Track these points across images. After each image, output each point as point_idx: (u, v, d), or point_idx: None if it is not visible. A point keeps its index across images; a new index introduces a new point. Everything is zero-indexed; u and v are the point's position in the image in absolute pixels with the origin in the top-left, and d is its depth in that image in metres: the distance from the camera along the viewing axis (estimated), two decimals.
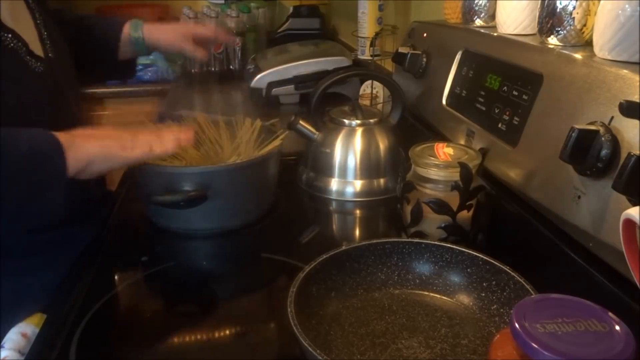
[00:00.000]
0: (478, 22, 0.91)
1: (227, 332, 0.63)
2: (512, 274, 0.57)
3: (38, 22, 0.80)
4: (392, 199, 0.84)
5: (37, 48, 0.77)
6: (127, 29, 1.01)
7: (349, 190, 0.92)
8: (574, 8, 0.66)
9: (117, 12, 2.05)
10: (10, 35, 0.71)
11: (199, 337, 0.62)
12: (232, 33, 1.35)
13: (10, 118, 0.69)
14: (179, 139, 0.74)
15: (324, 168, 0.94)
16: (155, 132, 0.74)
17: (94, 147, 0.68)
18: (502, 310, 0.57)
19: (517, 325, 0.38)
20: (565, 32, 0.67)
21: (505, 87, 0.76)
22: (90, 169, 0.68)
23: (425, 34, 1.08)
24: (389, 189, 0.92)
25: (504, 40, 0.80)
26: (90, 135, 0.70)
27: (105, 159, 0.69)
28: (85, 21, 1.01)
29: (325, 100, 0.94)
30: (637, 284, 0.44)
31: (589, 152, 0.54)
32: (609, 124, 0.54)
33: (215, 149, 0.92)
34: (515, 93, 0.73)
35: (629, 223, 0.43)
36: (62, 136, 0.66)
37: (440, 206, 0.70)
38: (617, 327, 0.38)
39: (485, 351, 0.51)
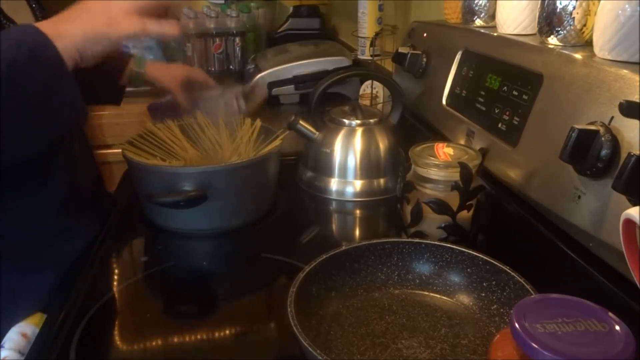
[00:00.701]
0: (478, 22, 0.91)
1: (227, 332, 0.63)
2: (512, 274, 0.57)
3: (39, 19, 0.80)
4: (392, 199, 0.84)
5: None
6: (131, 64, 1.05)
7: (349, 190, 0.92)
8: (574, 8, 0.66)
9: None
10: (11, 25, 0.72)
11: (199, 337, 0.62)
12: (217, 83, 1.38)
13: None
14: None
15: (324, 168, 0.94)
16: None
17: (77, 31, 0.63)
18: (502, 310, 0.57)
19: (517, 325, 0.38)
20: (565, 32, 0.67)
21: (505, 87, 0.76)
22: (85, 55, 0.64)
23: (425, 34, 1.08)
24: (389, 189, 0.92)
25: (504, 40, 0.80)
26: (75, 14, 0.65)
27: (94, 40, 0.64)
28: None
29: (325, 100, 0.94)
30: (637, 284, 0.44)
31: (589, 152, 0.54)
32: (609, 124, 0.54)
33: (215, 149, 0.93)
34: (515, 93, 0.73)
35: (629, 223, 0.43)
36: (44, 27, 0.62)
37: (440, 206, 0.70)
38: (617, 327, 0.38)
39: (485, 351, 0.51)
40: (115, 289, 0.70)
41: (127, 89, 1.07)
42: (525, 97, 0.70)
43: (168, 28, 0.70)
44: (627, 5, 0.56)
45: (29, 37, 0.61)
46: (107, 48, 0.66)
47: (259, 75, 1.43)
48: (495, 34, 0.83)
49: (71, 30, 0.63)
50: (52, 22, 0.63)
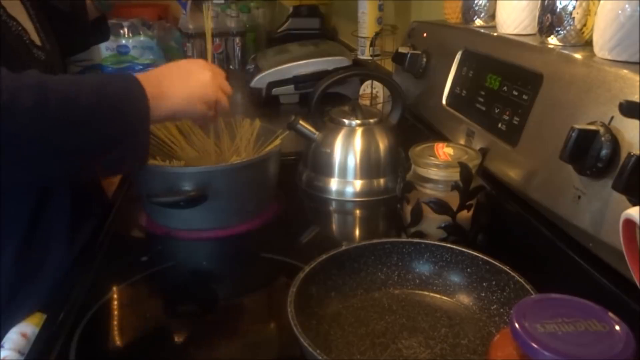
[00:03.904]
0: (478, 22, 0.91)
1: (227, 332, 0.63)
2: (512, 274, 0.57)
3: (32, 16, 0.81)
4: (392, 199, 0.84)
5: (35, 39, 0.77)
6: None
7: (349, 190, 0.92)
8: (574, 8, 0.66)
9: (117, 12, 2.05)
10: (15, 23, 0.72)
11: (199, 337, 0.62)
12: None
13: None
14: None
15: (324, 168, 0.94)
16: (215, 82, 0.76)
17: (181, 99, 0.70)
18: (502, 310, 0.57)
19: (517, 325, 0.38)
20: (565, 32, 0.67)
21: (505, 87, 0.76)
22: (177, 117, 0.74)
23: (425, 34, 1.08)
24: (389, 189, 0.92)
25: (504, 40, 0.80)
26: (172, 79, 0.71)
27: (186, 114, 0.73)
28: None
29: (325, 100, 0.94)
30: (637, 284, 0.44)
31: (589, 152, 0.54)
32: (609, 124, 0.54)
33: (215, 149, 0.93)
34: (515, 93, 0.73)
35: (629, 223, 0.43)
36: (148, 85, 0.66)
37: (440, 206, 0.70)
38: (617, 327, 0.38)
39: (485, 351, 0.51)
40: (115, 289, 0.70)
41: None
42: (525, 97, 0.70)
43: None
44: (627, 5, 0.56)
45: (132, 90, 0.65)
46: (197, 113, 0.74)
47: (259, 75, 1.43)
48: (495, 34, 0.83)
49: (172, 95, 0.70)
50: (156, 81, 0.68)
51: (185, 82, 0.72)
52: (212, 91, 0.74)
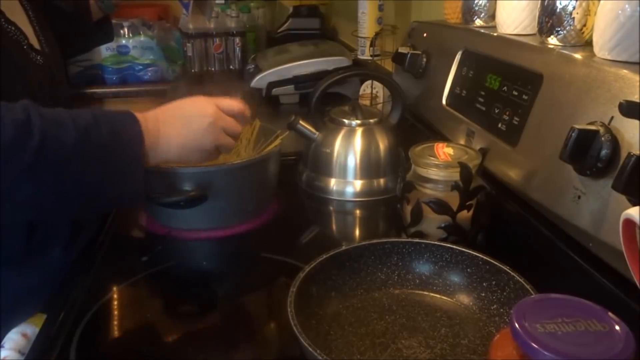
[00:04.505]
0: (478, 22, 0.91)
1: (227, 332, 0.63)
2: (512, 274, 0.57)
3: (32, 19, 0.81)
4: (392, 199, 0.84)
5: (35, 43, 0.77)
6: None
7: (349, 190, 0.92)
8: (574, 8, 0.66)
9: (117, 12, 2.04)
10: (13, 28, 0.72)
11: (199, 337, 0.62)
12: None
13: None
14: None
15: (324, 168, 0.94)
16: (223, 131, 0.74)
17: (175, 149, 0.69)
18: (502, 310, 0.57)
19: (517, 325, 0.38)
20: (565, 32, 0.67)
21: (505, 87, 0.76)
22: (164, 161, 0.70)
23: (425, 34, 1.08)
24: (389, 189, 0.92)
25: (504, 40, 0.80)
26: (172, 133, 0.69)
27: (181, 159, 0.71)
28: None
29: (325, 100, 0.94)
30: (637, 284, 0.44)
31: (588, 152, 0.54)
32: (609, 124, 0.54)
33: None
34: (515, 93, 0.73)
35: (629, 223, 0.43)
36: (145, 128, 0.65)
37: (440, 206, 0.70)
38: (617, 327, 0.38)
39: (485, 351, 0.51)
40: (115, 289, 0.70)
41: (129, 89, 1.07)
42: (525, 97, 0.70)
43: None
44: (627, 5, 0.56)
45: (126, 132, 0.64)
46: (192, 159, 0.73)
47: (259, 75, 1.43)
48: (495, 34, 0.83)
49: (167, 148, 0.68)
50: (152, 131, 0.66)
51: (183, 131, 0.70)
52: (210, 140, 0.71)
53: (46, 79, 0.77)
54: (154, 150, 0.66)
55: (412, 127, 1.07)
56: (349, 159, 0.92)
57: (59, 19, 0.92)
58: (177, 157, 0.70)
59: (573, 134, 0.53)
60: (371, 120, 0.94)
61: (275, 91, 1.43)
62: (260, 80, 1.43)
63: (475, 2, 0.89)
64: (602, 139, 0.53)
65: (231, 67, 1.94)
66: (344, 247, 0.63)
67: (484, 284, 0.60)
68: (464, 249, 0.62)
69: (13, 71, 0.69)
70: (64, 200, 0.61)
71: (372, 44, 1.35)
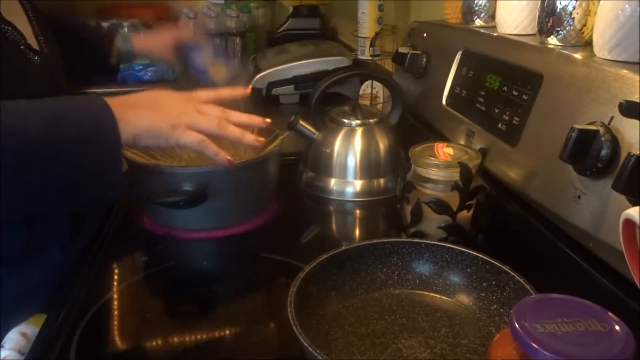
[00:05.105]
0: (478, 22, 0.91)
1: (227, 332, 0.63)
2: (512, 274, 0.57)
3: (31, 19, 0.81)
4: (392, 199, 0.84)
5: (33, 43, 0.77)
6: (117, 42, 1.06)
7: (349, 190, 0.92)
8: (574, 8, 0.66)
9: (117, 12, 2.05)
10: (9, 28, 0.72)
11: (199, 337, 0.62)
12: (211, 34, 1.44)
13: None
14: (242, 138, 0.70)
15: (324, 168, 0.94)
16: (221, 117, 0.69)
17: (143, 121, 0.64)
18: (502, 310, 0.57)
19: (517, 325, 0.38)
20: (565, 32, 0.67)
21: (505, 87, 0.76)
22: (139, 142, 0.65)
23: (425, 34, 1.08)
24: (389, 189, 0.92)
25: (504, 40, 0.80)
26: (146, 103, 0.67)
27: (152, 135, 0.65)
28: (74, 24, 1.03)
29: (325, 100, 0.94)
30: (637, 284, 0.44)
31: (588, 152, 0.54)
32: (609, 124, 0.54)
33: None
34: (515, 93, 0.73)
35: (629, 223, 0.43)
36: (113, 105, 0.62)
37: (440, 206, 0.70)
38: (617, 327, 0.38)
39: (485, 351, 0.51)
40: (115, 289, 0.70)
41: (128, 89, 1.07)
42: (525, 97, 0.70)
43: (222, 156, 0.70)
44: (627, 5, 0.56)
45: (97, 115, 0.62)
46: (160, 145, 0.67)
47: (259, 75, 1.43)
48: (495, 34, 0.83)
49: (136, 120, 0.64)
50: (121, 104, 0.64)
51: (152, 110, 0.66)
52: (182, 119, 0.66)
53: (44, 80, 0.77)
54: (122, 124, 0.63)
55: (412, 127, 1.07)
56: (349, 159, 0.92)
57: (77, 48, 0.92)
58: (145, 131, 0.65)
59: (573, 134, 0.53)
60: (371, 120, 0.94)
61: (275, 91, 1.43)
62: (260, 80, 1.43)
63: (475, 2, 0.89)
64: (602, 139, 0.53)
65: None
66: (344, 247, 0.63)
67: (484, 284, 0.60)
68: (464, 249, 0.62)
69: (8, 71, 0.69)
70: (44, 193, 0.60)
71: (372, 44, 1.35)
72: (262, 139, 0.74)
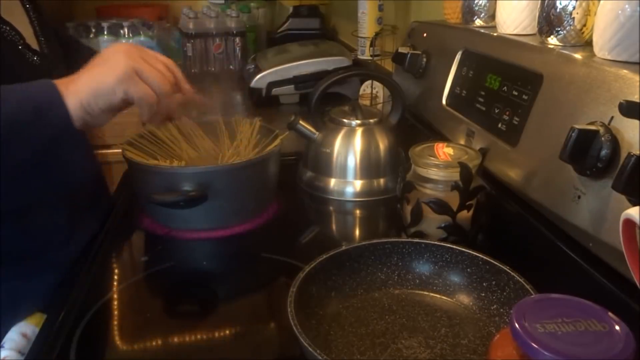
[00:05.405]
0: (478, 22, 0.91)
1: (227, 332, 0.63)
2: (512, 274, 0.57)
3: (33, 19, 0.81)
4: (392, 199, 0.84)
5: (32, 43, 0.77)
6: None
7: (349, 190, 0.92)
8: (574, 8, 0.66)
9: (117, 12, 2.05)
10: (7, 28, 0.72)
11: (199, 337, 0.62)
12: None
13: None
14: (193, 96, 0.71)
15: (324, 168, 0.94)
16: (164, 69, 0.68)
17: (81, 87, 0.63)
18: (502, 310, 0.57)
19: (517, 325, 0.38)
20: (565, 32, 0.67)
21: (505, 87, 0.76)
22: (90, 111, 0.63)
23: (425, 34, 1.08)
24: (389, 189, 0.92)
25: (504, 40, 0.80)
26: (78, 76, 0.64)
27: (100, 95, 0.63)
28: None
29: (325, 100, 0.94)
30: (637, 284, 0.44)
31: (588, 152, 0.54)
32: (609, 124, 0.54)
33: (215, 149, 0.92)
34: (515, 93, 0.73)
35: (629, 223, 0.43)
36: (59, 83, 0.62)
37: (440, 206, 0.70)
38: (617, 327, 0.38)
39: (485, 351, 0.51)
40: (115, 289, 0.70)
41: None
42: (525, 97, 0.70)
43: (148, 122, 0.70)
44: (627, 5, 0.56)
45: (38, 95, 0.61)
46: (112, 100, 0.65)
47: (259, 75, 1.43)
48: (495, 34, 0.83)
49: (76, 87, 0.63)
50: (64, 82, 0.63)
51: (96, 69, 0.65)
52: (118, 77, 0.64)
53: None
54: (66, 89, 0.63)
55: (412, 127, 1.07)
56: (349, 159, 0.92)
57: None
58: (90, 88, 0.63)
59: (573, 134, 0.53)
60: (371, 120, 0.94)
61: (275, 91, 1.43)
62: (260, 80, 1.43)
63: (475, 2, 0.89)
64: (602, 139, 0.53)
65: (231, 67, 1.94)
66: (344, 247, 0.63)
67: (484, 284, 0.60)
68: (464, 249, 0.62)
69: (4, 71, 0.69)
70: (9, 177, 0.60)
71: (372, 44, 1.35)
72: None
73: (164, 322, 0.66)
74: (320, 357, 0.45)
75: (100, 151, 1.41)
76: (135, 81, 0.65)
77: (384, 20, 1.40)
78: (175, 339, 0.62)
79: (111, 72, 0.64)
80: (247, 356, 0.58)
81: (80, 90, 0.63)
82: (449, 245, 0.63)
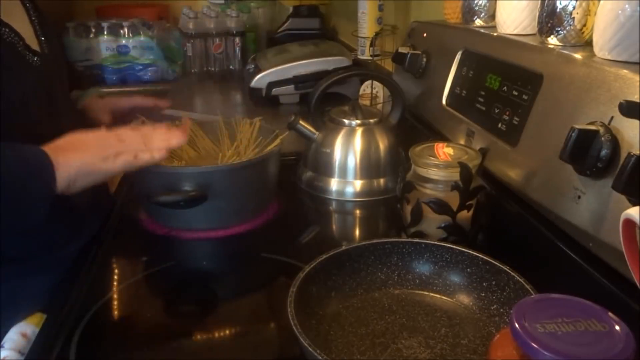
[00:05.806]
0: (478, 22, 0.91)
1: (227, 332, 0.63)
2: (512, 274, 0.57)
3: (33, 19, 0.80)
4: (392, 199, 0.84)
5: (33, 43, 0.77)
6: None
7: (349, 190, 0.92)
8: (574, 8, 0.66)
9: (117, 12, 2.05)
10: (7, 30, 0.72)
11: (199, 337, 0.62)
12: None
13: (12, 112, 0.69)
14: (168, 143, 0.72)
15: (324, 168, 0.94)
16: (143, 135, 0.71)
17: (75, 162, 0.65)
18: (502, 310, 0.57)
19: (517, 325, 0.38)
20: (565, 32, 0.67)
21: (505, 87, 0.76)
22: (74, 186, 0.66)
23: (425, 34, 1.08)
24: (389, 189, 0.92)
25: (504, 40, 0.80)
26: (71, 146, 0.67)
27: (87, 173, 0.67)
28: None
29: (325, 100, 0.94)
30: (637, 284, 0.44)
31: (589, 152, 0.54)
32: (609, 124, 0.54)
33: (215, 149, 0.93)
34: (515, 93, 0.73)
35: (629, 223, 0.43)
36: (49, 151, 0.64)
37: (440, 206, 0.70)
38: (617, 327, 0.38)
39: (485, 351, 0.51)
40: (115, 289, 0.70)
41: (128, 89, 1.06)
42: (525, 97, 0.70)
43: (174, 141, 0.73)
44: (627, 5, 0.56)
45: (30, 164, 0.63)
46: (98, 181, 0.68)
47: (259, 75, 1.43)
48: (495, 34, 0.83)
49: (67, 162, 0.65)
50: (52, 150, 0.65)
51: (79, 151, 0.67)
52: (108, 150, 0.67)
53: (42, 80, 0.77)
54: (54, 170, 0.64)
55: (412, 127, 1.07)
56: (349, 159, 0.92)
57: None
58: (72, 180, 0.66)
59: (573, 134, 0.53)
60: (371, 120, 0.94)
61: (275, 91, 1.43)
62: (260, 80, 1.43)
63: (475, 2, 0.89)
64: (602, 139, 0.53)
65: (231, 67, 1.95)
66: (344, 247, 0.63)
67: (484, 284, 0.60)
68: (464, 249, 0.62)
69: (3, 72, 0.69)
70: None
71: (372, 44, 1.35)
72: (186, 124, 0.77)
73: (164, 322, 0.66)
74: (320, 357, 0.46)
75: None
76: (119, 159, 0.68)
77: (384, 20, 1.40)
78: (175, 339, 0.62)
79: (94, 157, 0.67)
80: (247, 356, 0.59)
81: (70, 166, 0.65)
82: (449, 245, 0.63)
